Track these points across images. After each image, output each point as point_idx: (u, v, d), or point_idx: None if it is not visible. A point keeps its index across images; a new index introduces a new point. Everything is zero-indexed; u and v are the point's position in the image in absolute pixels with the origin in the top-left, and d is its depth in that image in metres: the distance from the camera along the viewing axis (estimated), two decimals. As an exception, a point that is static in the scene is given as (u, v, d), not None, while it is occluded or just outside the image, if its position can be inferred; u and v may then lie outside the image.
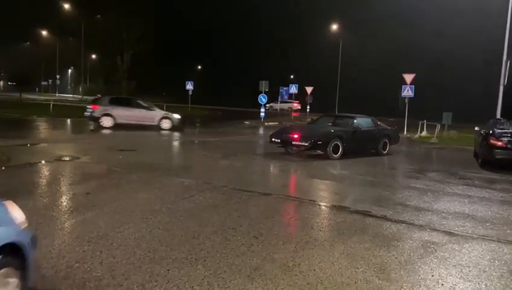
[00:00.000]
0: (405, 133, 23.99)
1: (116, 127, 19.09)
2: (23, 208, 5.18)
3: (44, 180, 8.05)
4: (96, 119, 19.29)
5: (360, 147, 13.43)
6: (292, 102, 44.33)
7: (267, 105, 44.34)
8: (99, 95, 23.36)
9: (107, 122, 19.05)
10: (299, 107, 44.46)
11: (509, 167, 11.27)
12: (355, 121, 13.59)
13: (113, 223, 5.32)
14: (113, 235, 4.91)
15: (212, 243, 4.73)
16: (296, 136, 12.41)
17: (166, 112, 21.06)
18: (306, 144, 12.10)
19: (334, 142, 12.31)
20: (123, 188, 7.48)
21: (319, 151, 12.45)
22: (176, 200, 6.62)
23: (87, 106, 21.01)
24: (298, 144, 12.29)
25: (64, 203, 6.34)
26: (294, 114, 37.49)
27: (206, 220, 5.61)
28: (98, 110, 19.33)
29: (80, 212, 5.88)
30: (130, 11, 29.94)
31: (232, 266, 4.11)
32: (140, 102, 20.87)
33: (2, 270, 2.77)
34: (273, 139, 13.04)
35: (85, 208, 6.08)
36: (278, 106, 43.55)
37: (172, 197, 6.84)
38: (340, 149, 12.38)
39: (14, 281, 2.92)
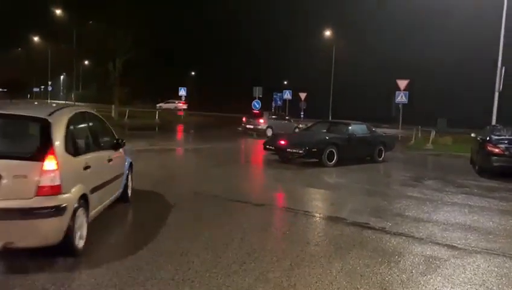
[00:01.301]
0: (399, 139, 23.84)
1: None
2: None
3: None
4: (263, 132, 23.52)
5: (355, 154, 13.20)
6: (178, 102, 48.04)
7: (157, 105, 49.36)
8: (258, 110, 27.84)
9: (269, 133, 22.94)
10: (185, 107, 47.87)
11: (507, 174, 11.07)
12: (350, 127, 13.38)
13: (97, 239, 4.98)
14: (96, 252, 4.59)
15: (202, 261, 4.42)
16: (290, 143, 12.15)
17: (296, 125, 26.11)
18: (300, 152, 11.84)
19: (329, 150, 12.06)
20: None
21: (314, 159, 12.21)
22: (165, 213, 6.30)
23: (250, 119, 25.51)
24: (292, 152, 12.03)
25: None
26: (180, 113, 40.65)
27: (196, 235, 5.30)
28: (264, 124, 24.19)
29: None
30: (122, 17, 29.63)
31: (222, 287, 3.81)
32: (284, 115, 28.16)
33: (130, 172, 6.86)
34: (267, 146, 12.79)
35: (68, 222, 5.75)
36: (165, 105, 49.20)
37: (162, 210, 6.52)
38: (335, 156, 12.14)
39: (130, 181, 6.91)
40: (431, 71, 50.70)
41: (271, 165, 12.11)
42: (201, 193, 7.88)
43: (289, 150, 12.08)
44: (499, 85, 17.79)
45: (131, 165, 7.03)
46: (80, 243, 4.50)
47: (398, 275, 4.31)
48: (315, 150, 11.91)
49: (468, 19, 42.73)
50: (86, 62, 63.54)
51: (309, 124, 16.46)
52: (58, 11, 44.22)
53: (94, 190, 4.94)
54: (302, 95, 36.94)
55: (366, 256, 4.82)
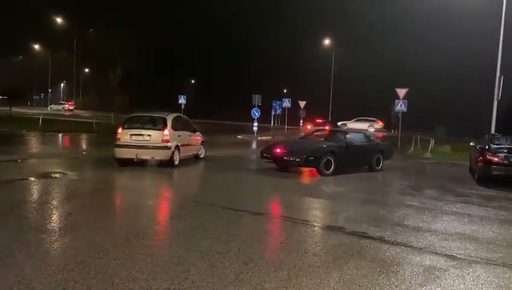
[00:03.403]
0: (398, 147, 23.82)
1: None
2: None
3: (25, 199, 7.64)
4: None
5: (352, 162, 13.12)
6: (65, 103, 61.61)
7: (49, 107, 58.81)
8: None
9: None
10: (72, 108, 60.09)
11: (506, 183, 11.03)
12: (347, 136, 13.31)
13: (92, 248, 4.95)
14: (91, 261, 4.54)
15: (198, 271, 4.37)
16: (287, 151, 12.06)
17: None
18: (297, 160, 11.73)
19: (326, 158, 11.93)
20: (108, 208, 7.11)
21: (311, 167, 12.14)
22: (162, 221, 6.26)
23: (316, 127, 27.63)
24: (290, 160, 11.93)
25: (42, 225, 5.94)
26: (68, 114, 47.70)
27: (193, 244, 5.25)
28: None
29: (58, 235, 5.51)
30: (122, 25, 29.80)
31: (218, 298, 3.76)
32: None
33: (203, 145, 14.69)
34: (264, 155, 12.71)
35: (64, 230, 5.72)
36: (55, 106, 59.11)
37: (159, 218, 6.48)
38: (333, 165, 12.04)
39: (203, 149, 14.75)
40: (429, 78, 50.83)
41: (269, 173, 12.05)
42: (200, 201, 7.84)
43: (286, 158, 11.95)
44: (497, 94, 17.80)
45: (203, 141, 14.63)
46: (176, 162, 12.02)
47: (396, 286, 4.26)
48: (312, 158, 11.78)
49: (468, 26, 42.91)
50: (86, 70, 63.79)
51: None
52: (59, 20, 44.43)
53: (182, 145, 12.39)
54: (302, 103, 36.96)
55: (365, 266, 4.77)
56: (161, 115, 12.30)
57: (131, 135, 11.67)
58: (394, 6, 55.22)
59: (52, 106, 62.17)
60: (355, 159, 13.18)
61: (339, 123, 40.72)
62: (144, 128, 11.81)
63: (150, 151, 11.56)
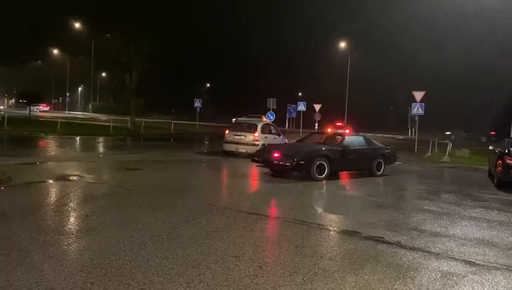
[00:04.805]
0: (415, 151, 23.54)
1: None
2: (10, 233, 5.04)
3: (43, 201, 7.77)
4: None
5: (349, 167, 12.75)
6: (40, 105, 61.87)
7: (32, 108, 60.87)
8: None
9: None
10: (46, 109, 63.60)
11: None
12: (344, 139, 12.76)
13: (109, 250, 5.00)
14: (108, 263, 4.58)
15: (213, 274, 4.38)
16: (277, 155, 11.55)
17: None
18: (288, 164, 11.25)
19: (319, 162, 11.45)
20: (124, 210, 7.17)
21: (303, 172, 11.63)
22: (178, 224, 6.29)
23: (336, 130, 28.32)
24: (280, 164, 11.46)
25: (59, 227, 6.03)
26: (41, 114, 51.32)
27: (208, 247, 5.26)
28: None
29: (75, 237, 5.58)
30: (138, 30, 30.20)
31: (233, 302, 3.76)
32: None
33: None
34: (255, 159, 12.32)
35: (81, 233, 5.79)
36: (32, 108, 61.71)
37: (174, 221, 6.50)
38: (326, 169, 11.55)
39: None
40: (447, 82, 50.19)
41: (281, 178, 11.92)
42: (214, 204, 7.85)
43: (276, 162, 11.50)
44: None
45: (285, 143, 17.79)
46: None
47: (413, 292, 4.19)
48: (303, 162, 11.26)
49: (487, 30, 42.31)
50: (104, 74, 64.80)
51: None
52: (77, 25, 45.23)
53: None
54: (317, 107, 36.81)
55: (381, 271, 4.71)
56: (254, 122, 18.01)
57: (234, 135, 17.37)
58: (406, 9, 54.74)
59: (31, 107, 66.34)
60: (353, 164, 12.66)
61: (233, 119, 42.66)
62: (242, 131, 17.41)
63: (244, 146, 16.75)
